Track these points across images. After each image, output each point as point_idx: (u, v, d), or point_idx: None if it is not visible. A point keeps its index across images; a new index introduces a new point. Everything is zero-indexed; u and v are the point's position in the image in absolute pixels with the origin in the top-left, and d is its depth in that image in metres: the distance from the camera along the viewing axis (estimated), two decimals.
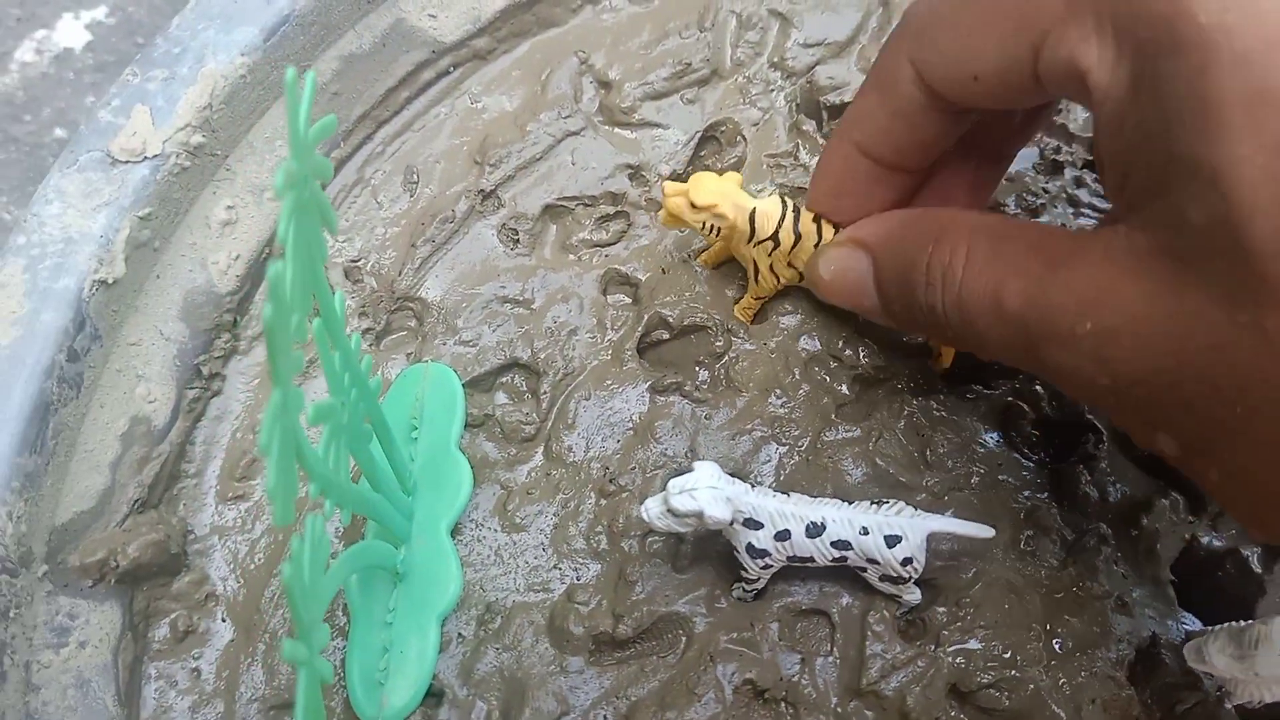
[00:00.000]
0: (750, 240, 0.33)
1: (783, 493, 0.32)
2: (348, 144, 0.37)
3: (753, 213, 0.32)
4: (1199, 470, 0.24)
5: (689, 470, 0.30)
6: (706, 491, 0.30)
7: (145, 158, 0.31)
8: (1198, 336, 0.21)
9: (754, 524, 0.31)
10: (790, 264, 0.33)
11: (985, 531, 0.32)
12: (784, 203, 0.33)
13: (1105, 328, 0.22)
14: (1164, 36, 0.20)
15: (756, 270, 0.34)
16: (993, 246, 0.27)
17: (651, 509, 0.30)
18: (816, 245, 0.32)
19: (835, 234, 0.33)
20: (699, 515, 0.30)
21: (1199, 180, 0.20)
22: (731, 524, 0.30)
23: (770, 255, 0.33)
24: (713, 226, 0.32)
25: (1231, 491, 0.23)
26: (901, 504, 0.32)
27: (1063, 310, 0.23)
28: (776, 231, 0.32)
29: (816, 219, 0.33)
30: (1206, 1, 0.19)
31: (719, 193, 0.32)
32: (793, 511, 0.31)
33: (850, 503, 0.32)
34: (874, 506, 0.31)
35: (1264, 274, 0.19)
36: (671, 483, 0.30)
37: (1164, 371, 0.22)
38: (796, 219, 0.32)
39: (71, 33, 0.58)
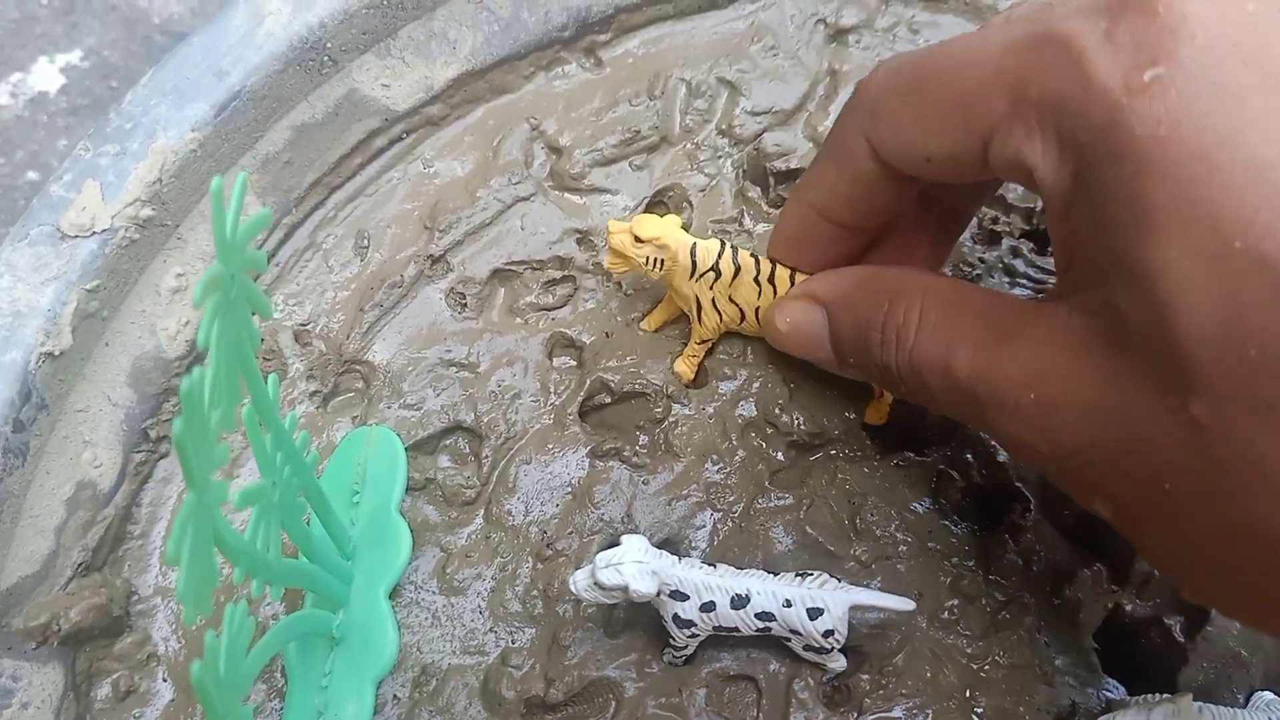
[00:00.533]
0: (692, 275, 0.34)
1: (710, 564, 0.32)
2: (300, 210, 0.38)
3: (693, 246, 0.33)
4: (1132, 534, 0.25)
5: (618, 543, 0.31)
6: (632, 566, 0.31)
7: (94, 232, 0.32)
8: (1131, 416, 0.22)
9: (680, 595, 0.31)
10: (731, 299, 0.34)
11: (906, 604, 0.33)
12: (722, 241, 0.34)
13: (1047, 400, 0.24)
14: (1102, 144, 0.21)
15: (699, 309, 0.35)
16: (945, 312, 0.28)
17: (579, 581, 0.31)
18: (756, 278, 0.34)
19: (790, 276, 0.34)
20: (624, 589, 0.30)
21: (1133, 278, 0.21)
22: (658, 595, 0.31)
23: (712, 289, 0.34)
24: (656, 260, 0.33)
25: (1161, 557, 0.25)
26: (825, 576, 0.33)
27: (1008, 381, 0.25)
28: (717, 263, 0.34)
29: (754, 254, 0.34)
30: (1142, 114, 0.21)
31: (661, 227, 0.33)
32: (718, 584, 0.32)
33: (776, 574, 0.33)
34: (798, 578, 0.32)
35: (1189, 368, 0.20)
36: (598, 556, 0.31)
37: (1100, 444, 0.23)
38: (735, 254, 0.34)
39: (46, 76, 0.59)
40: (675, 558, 0.32)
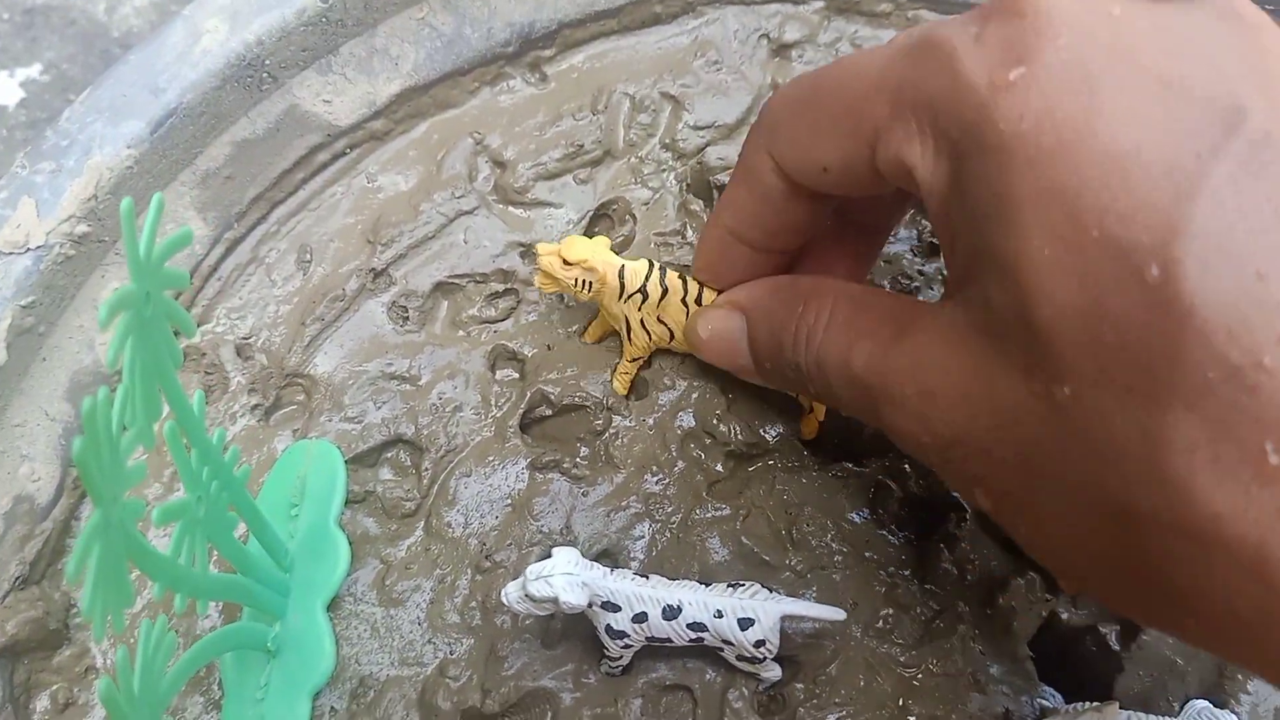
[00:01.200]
0: (620, 296, 0.34)
1: (643, 575, 0.33)
2: (242, 224, 0.38)
3: (621, 269, 0.34)
4: (1010, 525, 0.26)
5: (549, 556, 0.32)
6: (561, 578, 0.31)
7: (29, 249, 0.32)
8: (1001, 403, 0.23)
9: (612, 607, 0.32)
10: (660, 319, 0.35)
11: (837, 614, 0.33)
12: (650, 262, 0.35)
13: (926, 390, 0.25)
14: (971, 140, 0.22)
15: (629, 328, 0.35)
16: (850, 312, 0.29)
17: (511, 593, 0.31)
18: (684, 299, 0.34)
19: (714, 295, 0.35)
20: (554, 601, 0.31)
21: (999, 269, 0.22)
22: (590, 607, 0.32)
23: (640, 310, 0.35)
24: (584, 282, 0.34)
25: (1038, 544, 0.25)
26: (757, 586, 0.33)
27: (897, 374, 0.26)
28: (644, 285, 0.34)
29: (681, 275, 0.35)
30: (1006, 110, 0.21)
31: (589, 250, 0.34)
32: (650, 595, 0.32)
33: (708, 585, 0.33)
34: (730, 589, 0.33)
35: (1051, 352, 0.21)
36: (529, 569, 0.31)
37: (974, 433, 0.24)
38: (663, 275, 0.34)
39: (5, 90, 0.59)
40: (607, 569, 0.32)
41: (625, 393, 0.37)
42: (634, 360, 0.37)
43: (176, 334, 0.26)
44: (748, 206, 0.32)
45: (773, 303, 0.32)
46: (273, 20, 0.36)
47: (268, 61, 0.37)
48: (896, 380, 0.26)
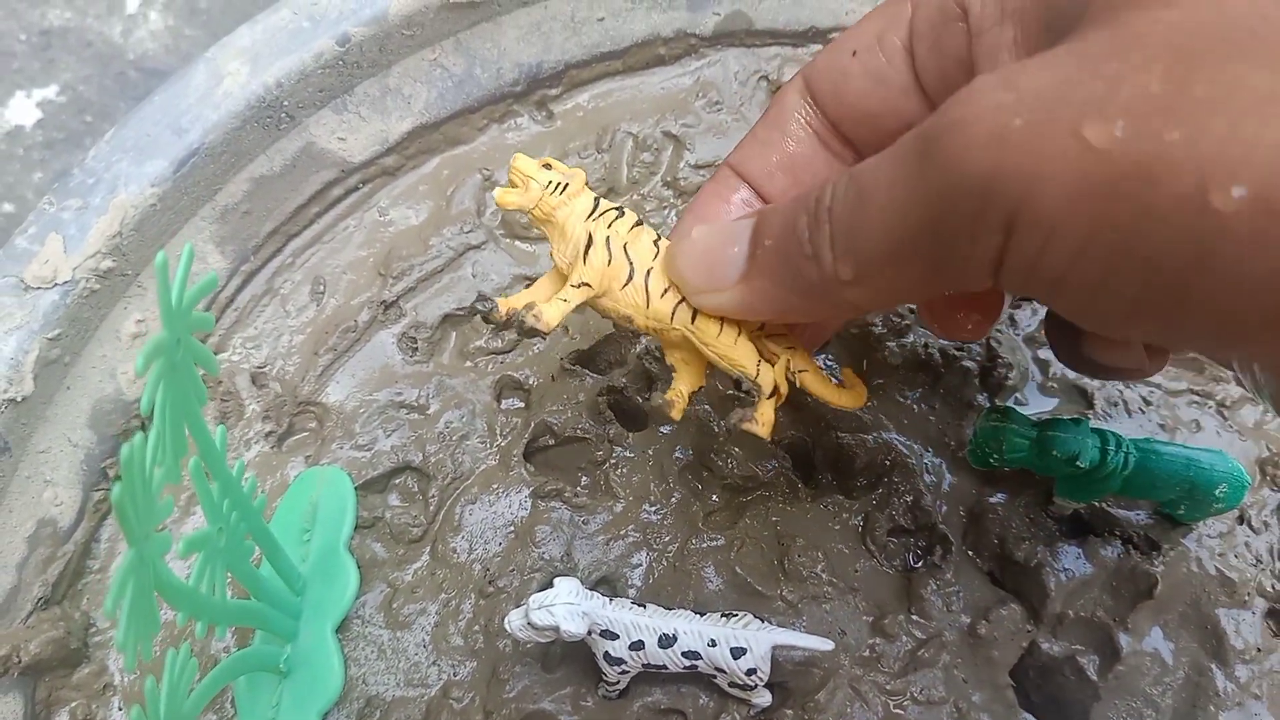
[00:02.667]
0: (592, 213, 0.29)
1: (640, 605, 0.34)
2: (258, 257, 0.40)
3: (597, 197, 0.30)
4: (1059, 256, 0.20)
5: (551, 585, 0.33)
6: (563, 608, 0.32)
7: (56, 284, 0.34)
8: (1124, 25, 0.19)
9: (610, 635, 0.33)
10: (625, 248, 0.29)
11: (825, 645, 0.34)
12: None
13: (1006, 75, 0.20)
14: None
15: (588, 247, 0.29)
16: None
17: (514, 621, 0.33)
18: (655, 241, 0.30)
19: None
20: (556, 629, 0.32)
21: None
22: (590, 634, 0.33)
23: (610, 228, 0.29)
24: (558, 186, 0.29)
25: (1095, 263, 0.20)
26: (749, 616, 0.34)
27: (960, 93, 0.21)
28: (621, 206, 0.30)
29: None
30: None
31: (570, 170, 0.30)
32: (647, 624, 0.33)
33: (704, 614, 0.34)
34: (724, 619, 0.34)
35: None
36: (532, 598, 0.33)
37: (1091, 59, 0.19)
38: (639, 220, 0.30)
39: (23, 110, 0.60)
40: (606, 599, 0.34)
41: (554, 325, 0.29)
42: (579, 287, 0.29)
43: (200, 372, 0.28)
44: (761, 135, 0.30)
45: (794, 198, 0.26)
46: (292, 63, 0.38)
47: (286, 102, 0.39)
48: (963, 92, 0.21)
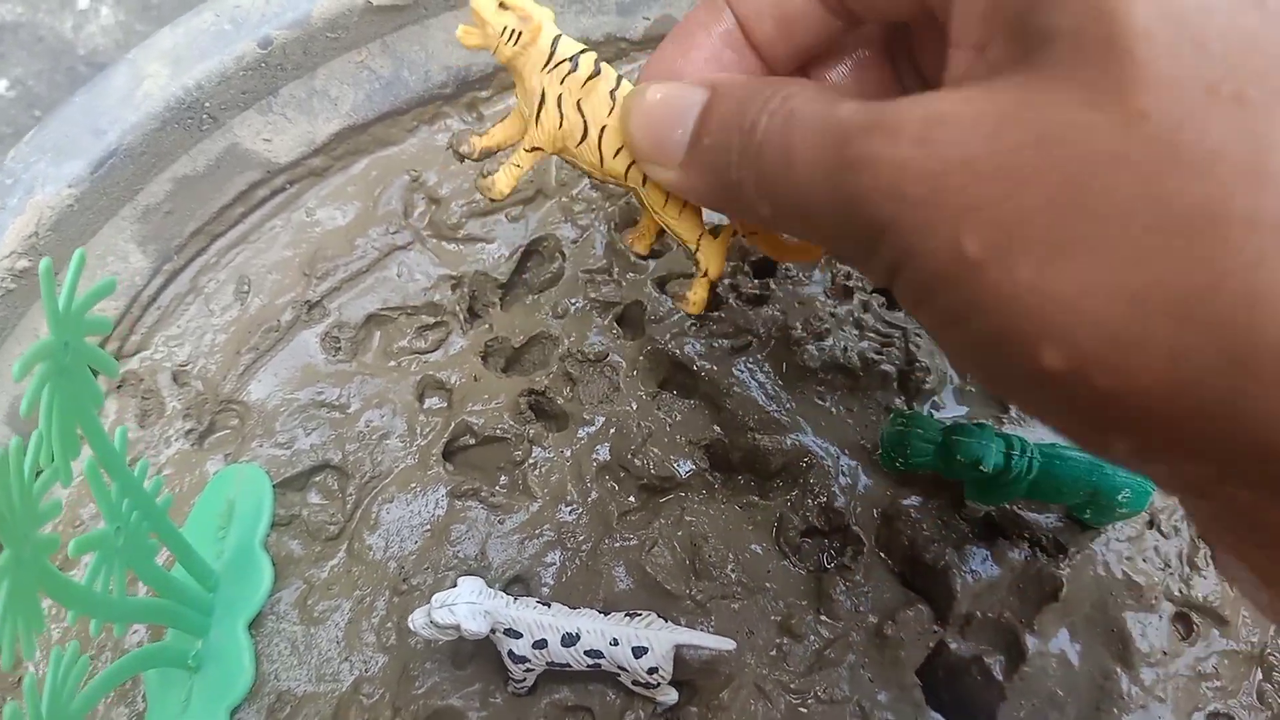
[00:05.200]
0: (546, 65, 0.28)
1: (544, 604, 0.35)
2: (181, 256, 0.40)
3: (558, 37, 0.28)
4: (1001, 270, 0.20)
5: (454, 586, 0.34)
6: (464, 607, 0.33)
7: None
8: (1040, 123, 0.20)
9: (514, 634, 0.34)
10: (579, 106, 0.28)
11: (726, 644, 0.35)
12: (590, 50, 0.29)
13: (934, 115, 0.21)
14: None
15: (541, 105, 0.28)
16: (838, 83, 0.27)
17: (417, 619, 0.33)
18: (612, 93, 0.28)
19: None
20: (457, 628, 0.33)
21: None
22: (493, 633, 0.34)
23: (563, 84, 0.28)
24: (513, 33, 0.27)
25: (1042, 289, 0.20)
26: (653, 616, 0.35)
27: (895, 110, 0.22)
28: (577, 56, 0.28)
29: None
30: None
31: (534, 8, 0.28)
32: (550, 623, 0.34)
33: (608, 613, 0.35)
34: (628, 618, 0.35)
35: (1133, 64, 0.19)
36: (435, 597, 0.33)
37: (992, 154, 0.20)
38: (598, 62, 0.28)
39: None
40: (510, 598, 0.34)
41: (506, 192, 0.30)
42: (531, 151, 0.29)
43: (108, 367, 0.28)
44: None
45: (751, 81, 0.26)
46: (213, 65, 0.38)
47: (208, 104, 0.39)
48: (895, 113, 0.21)
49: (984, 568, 0.39)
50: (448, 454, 0.40)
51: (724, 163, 0.25)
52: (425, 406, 0.41)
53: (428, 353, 0.42)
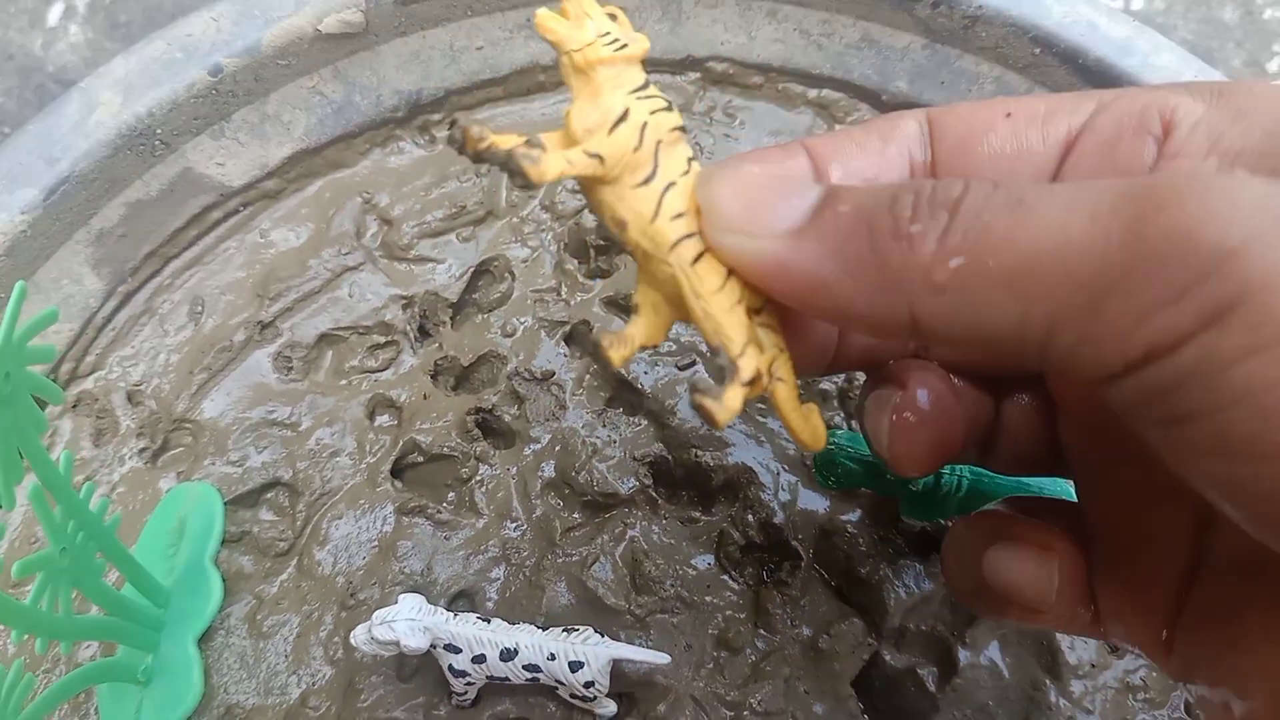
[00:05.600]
0: (638, 90, 0.23)
1: (484, 620, 0.36)
2: (135, 278, 0.41)
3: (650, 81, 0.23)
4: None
5: (394, 603, 0.35)
6: (404, 623, 0.34)
7: None
8: None
9: (453, 649, 0.35)
10: (657, 148, 0.23)
11: (661, 659, 0.36)
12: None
13: None
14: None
15: (620, 121, 0.22)
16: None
17: (358, 635, 0.34)
18: (689, 159, 0.24)
19: None
20: (396, 644, 0.34)
21: None
22: (433, 648, 0.35)
23: (651, 116, 0.23)
24: (616, 41, 0.23)
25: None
26: (589, 631, 0.36)
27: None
28: (671, 101, 0.23)
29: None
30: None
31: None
32: (489, 638, 0.35)
33: (546, 629, 0.36)
34: (565, 633, 0.36)
35: None
36: (375, 614, 0.34)
37: None
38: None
39: None
40: (451, 614, 0.35)
41: (549, 178, 0.22)
42: (592, 157, 0.22)
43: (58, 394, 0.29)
44: (858, 138, 0.26)
45: (884, 183, 0.22)
46: (164, 93, 0.39)
47: (159, 130, 0.40)
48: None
49: (917, 582, 0.40)
50: (396, 471, 0.41)
51: (880, 223, 0.20)
52: (375, 424, 0.42)
53: (378, 371, 0.43)
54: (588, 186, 0.23)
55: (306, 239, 0.44)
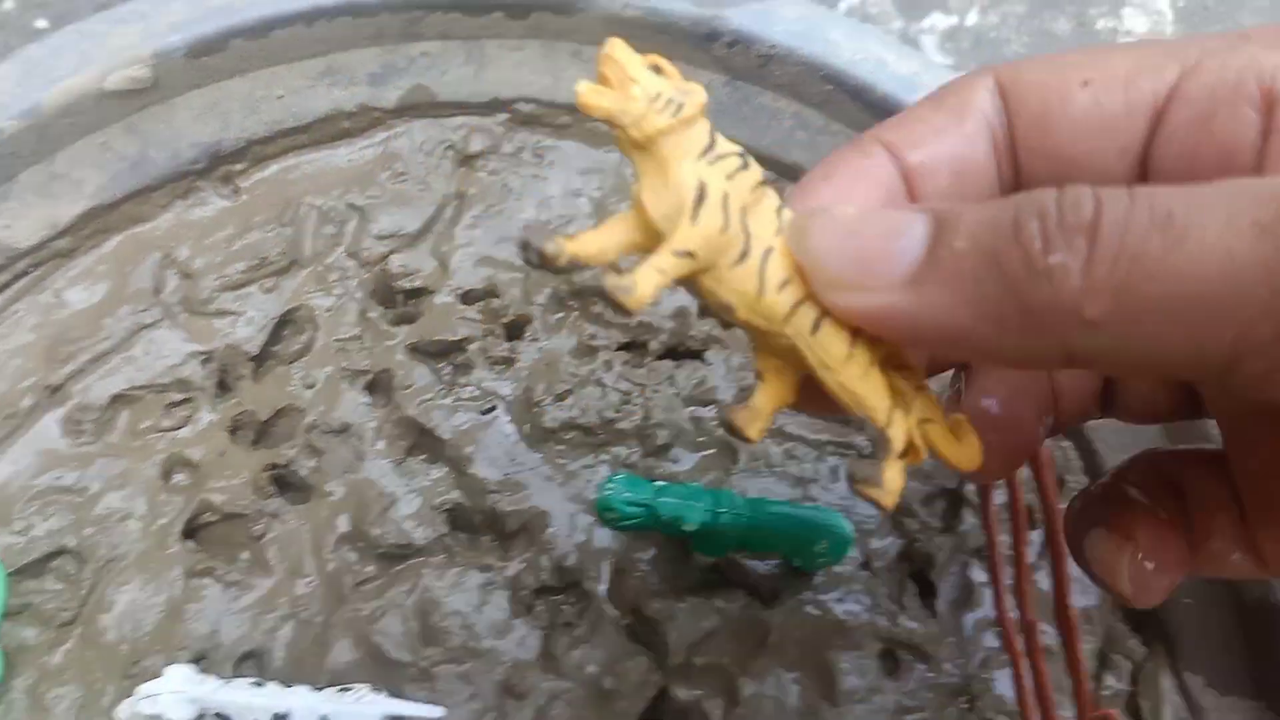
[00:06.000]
0: (707, 151, 0.21)
1: (259, 683, 0.36)
2: None
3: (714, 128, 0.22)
4: None
5: (160, 674, 0.35)
6: (169, 696, 0.34)
7: None
8: None
9: (224, 718, 0.35)
10: (744, 214, 0.21)
11: (436, 712, 0.37)
12: None
13: None
14: None
15: (700, 200, 0.20)
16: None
17: (122, 712, 0.35)
18: (778, 210, 0.22)
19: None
20: (159, 718, 0.34)
21: None
22: (203, 718, 0.35)
23: (728, 181, 0.21)
24: (672, 105, 0.20)
25: None
26: (365, 689, 0.36)
27: None
28: (745, 154, 0.21)
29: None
30: None
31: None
32: (260, 703, 0.35)
33: (322, 689, 0.36)
34: (340, 692, 0.36)
35: None
36: (139, 688, 0.34)
37: None
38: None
39: None
40: (221, 681, 0.35)
41: (647, 302, 0.20)
42: (683, 257, 0.20)
43: None
44: (933, 121, 0.24)
45: (999, 201, 0.19)
46: None
47: None
48: None
49: (703, 616, 0.41)
50: (189, 532, 0.41)
51: (1011, 258, 0.18)
52: (170, 484, 0.42)
53: (175, 429, 0.42)
54: (684, 279, 0.21)
55: (101, 297, 0.44)
